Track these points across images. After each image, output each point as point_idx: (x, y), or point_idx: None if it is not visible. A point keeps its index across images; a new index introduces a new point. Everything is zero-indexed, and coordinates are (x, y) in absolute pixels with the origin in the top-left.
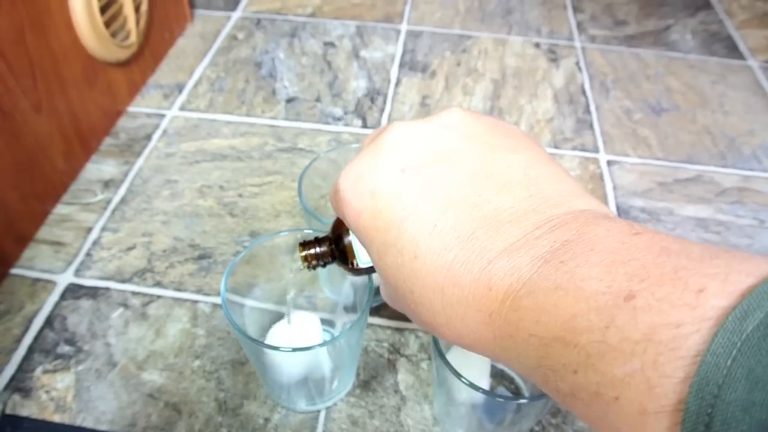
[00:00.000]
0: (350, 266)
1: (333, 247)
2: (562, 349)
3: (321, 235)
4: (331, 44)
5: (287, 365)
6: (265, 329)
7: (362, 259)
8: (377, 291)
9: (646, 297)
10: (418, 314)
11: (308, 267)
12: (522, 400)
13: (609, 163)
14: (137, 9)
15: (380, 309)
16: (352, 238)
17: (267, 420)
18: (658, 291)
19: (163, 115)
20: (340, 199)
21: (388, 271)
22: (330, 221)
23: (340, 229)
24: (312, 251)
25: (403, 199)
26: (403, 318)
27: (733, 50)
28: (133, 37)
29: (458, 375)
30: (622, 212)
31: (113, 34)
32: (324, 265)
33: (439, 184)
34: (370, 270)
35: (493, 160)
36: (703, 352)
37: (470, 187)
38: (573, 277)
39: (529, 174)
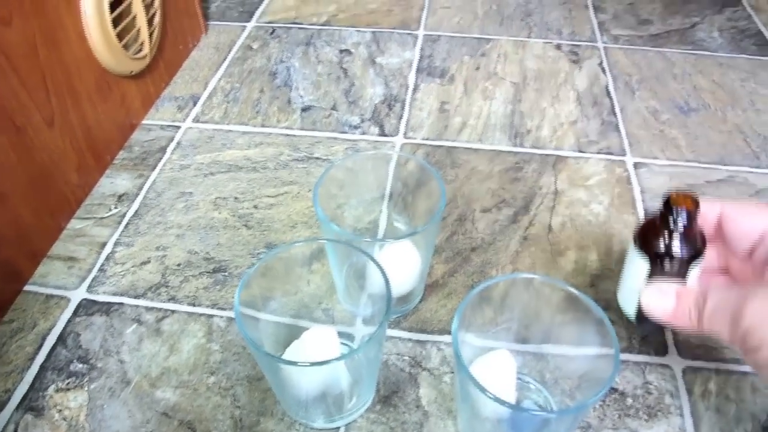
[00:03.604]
0: None
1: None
2: None
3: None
4: (347, 52)
5: (304, 380)
6: (282, 344)
7: None
8: (396, 302)
9: None
10: None
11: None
12: (550, 414)
13: (636, 165)
14: (150, 21)
15: (400, 321)
16: None
17: None
18: None
19: (177, 128)
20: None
21: None
22: (346, 232)
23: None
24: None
25: None
26: (425, 330)
27: (763, 46)
28: (146, 49)
29: (483, 390)
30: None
31: (126, 47)
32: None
33: None
34: None
35: None
36: None
37: None
38: None
39: None
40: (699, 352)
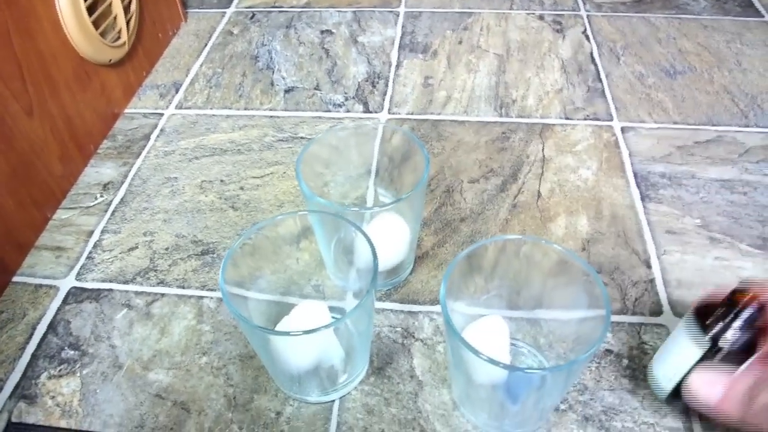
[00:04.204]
0: None
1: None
2: None
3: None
4: (328, 32)
5: (296, 353)
6: (273, 322)
7: None
8: (386, 275)
9: None
10: None
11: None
12: (543, 372)
13: (624, 129)
14: (127, 8)
15: (391, 293)
16: None
17: (279, 413)
18: None
19: (160, 115)
20: None
21: None
22: (331, 204)
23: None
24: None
25: None
26: (416, 301)
27: (747, 7)
28: (124, 37)
29: (476, 352)
30: (641, 179)
31: (103, 34)
32: None
33: None
34: None
35: None
36: None
37: None
38: None
39: None
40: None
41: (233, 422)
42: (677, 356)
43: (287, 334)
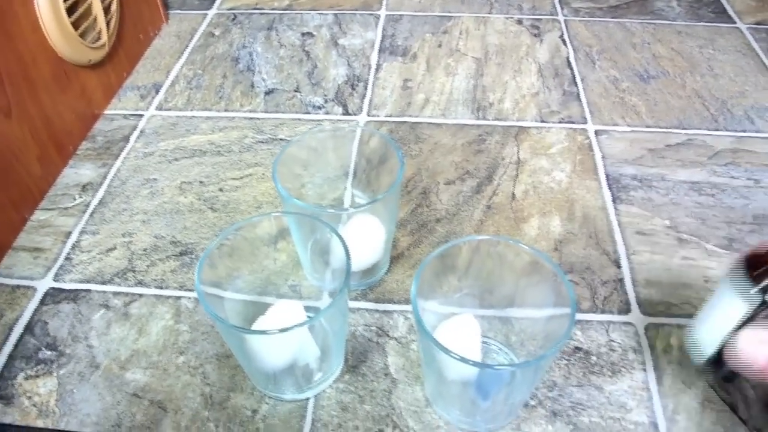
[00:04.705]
0: None
1: None
2: None
3: None
4: (309, 34)
5: (271, 351)
6: (249, 321)
7: None
8: (362, 275)
9: None
10: None
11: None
12: (511, 367)
13: (597, 132)
14: (107, 9)
15: (367, 293)
16: None
17: (255, 411)
18: None
19: (140, 116)
20: None
21: None
22: (307, 206)
23: None
24: None
25: None
26: (391, 300)
27: (720, 14)
28: (104, 38)
29: (446, 350)
30: (613, 181)
31: (82, 35)
32: None
33: None
34: None
35: None
36: None
37: None
38: None
39: None
40: (661, 309)
41: (209, 420)
42: (721, 315)
43: (263, 332)
